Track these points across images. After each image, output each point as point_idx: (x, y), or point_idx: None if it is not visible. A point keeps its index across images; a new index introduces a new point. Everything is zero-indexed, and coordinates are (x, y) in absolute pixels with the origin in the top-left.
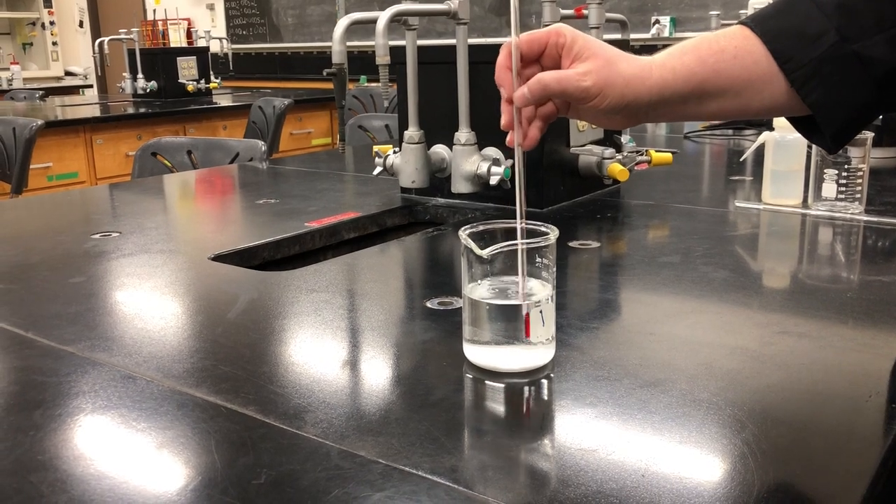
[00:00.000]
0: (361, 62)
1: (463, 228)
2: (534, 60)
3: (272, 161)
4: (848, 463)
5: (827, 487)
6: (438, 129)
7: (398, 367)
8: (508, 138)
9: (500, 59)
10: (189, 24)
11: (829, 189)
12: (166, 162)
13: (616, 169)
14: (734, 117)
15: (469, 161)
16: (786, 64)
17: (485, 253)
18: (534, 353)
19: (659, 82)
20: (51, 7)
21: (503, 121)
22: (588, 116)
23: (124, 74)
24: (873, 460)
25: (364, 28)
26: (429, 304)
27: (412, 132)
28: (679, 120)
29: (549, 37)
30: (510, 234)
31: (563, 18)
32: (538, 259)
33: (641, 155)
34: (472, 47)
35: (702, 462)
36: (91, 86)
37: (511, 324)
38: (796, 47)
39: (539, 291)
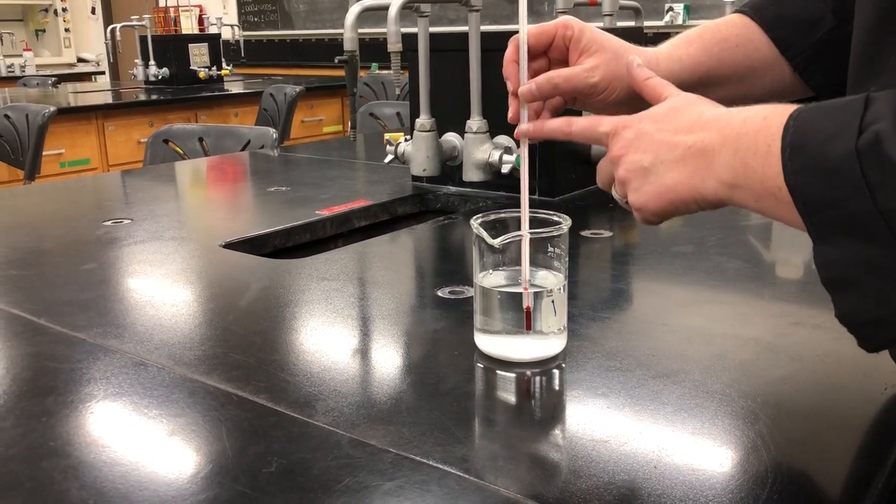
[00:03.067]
0: (373, 49)
1: (475, 217)
2: (541, 53)
3: (283, 149)
4: (863, 456)
5: (841, 480)
6: (450, 117)
7: (409, 355)
8: (517, 131)
9: (508, 53)
10: (201, 10)
11: None
12: (178, 149)
13: None
14: (737, 104)
15: (480, 149)
16: (787, 50)
17: (496, 242)
18: (545, 343)
19: (666, 74)
20: None
21: (510, 113)
22: (596, 108)
23: (136, 61)
24: (888, 453)
25: (375, 15)
26: (440, 293)
27: (424, 120)
28: None
29: (556, 29)
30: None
31: (577, 6)
32: (550, 249)
33: None
34: (484, 35)
35: (715, 454)
36: (103, 72)
37: (522, 313)
38: (796, 33)
39: (549, 283)
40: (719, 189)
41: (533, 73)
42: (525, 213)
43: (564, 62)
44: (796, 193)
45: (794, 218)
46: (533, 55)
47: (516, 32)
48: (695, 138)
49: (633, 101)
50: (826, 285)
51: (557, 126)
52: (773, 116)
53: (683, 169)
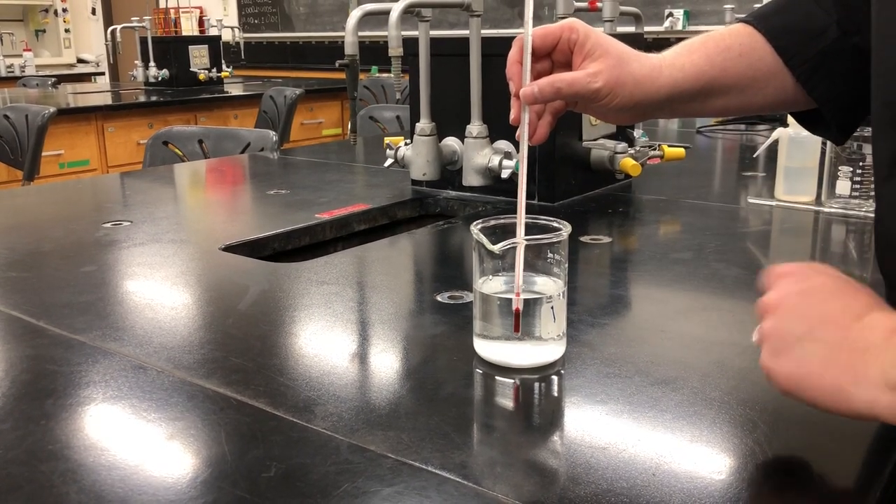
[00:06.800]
0: (373, 52)
1: (475, 223)
2: (545, 55)
3: (283, 151)
4: (861, 464)
5: (840, 489)
6: (450, 121)
7: (408, 360)
8: (518, 133)
9: (512, 54)
10: (201, 12)
11: (843, 186)
12: (177, 151)
13: (628, 163)
14: (736, 114)
15: (480, 154)
16: (790, 60)
17: (497, 248)
18: (544, 349)
19: (669, 82)
20: None
21: (512, 115)
22: (597, 113)
23: (136, 62)
24: (887, 462)
25: (376, 17)
26: (439, 298)
27: (424, 124)
28: (682, 116)
29: (561, 32)
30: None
31: (577, 11)
32: (550, 255)
33: (654, 150)
34: (485, 40)
35: (713, 461)
36: (103, 73)
37: (522, 319)
38: (800, 43)
39: (548, 289)
40: (878, 395)
41: (536, 75)
42: (521, 218)
43: (568, 65)
44: None
45: None
46: (537, 57)
47: (518, 35)
48: (860, 329)
49: (635, 107)
50: None
51: None
52: None
53: (837, 359)
